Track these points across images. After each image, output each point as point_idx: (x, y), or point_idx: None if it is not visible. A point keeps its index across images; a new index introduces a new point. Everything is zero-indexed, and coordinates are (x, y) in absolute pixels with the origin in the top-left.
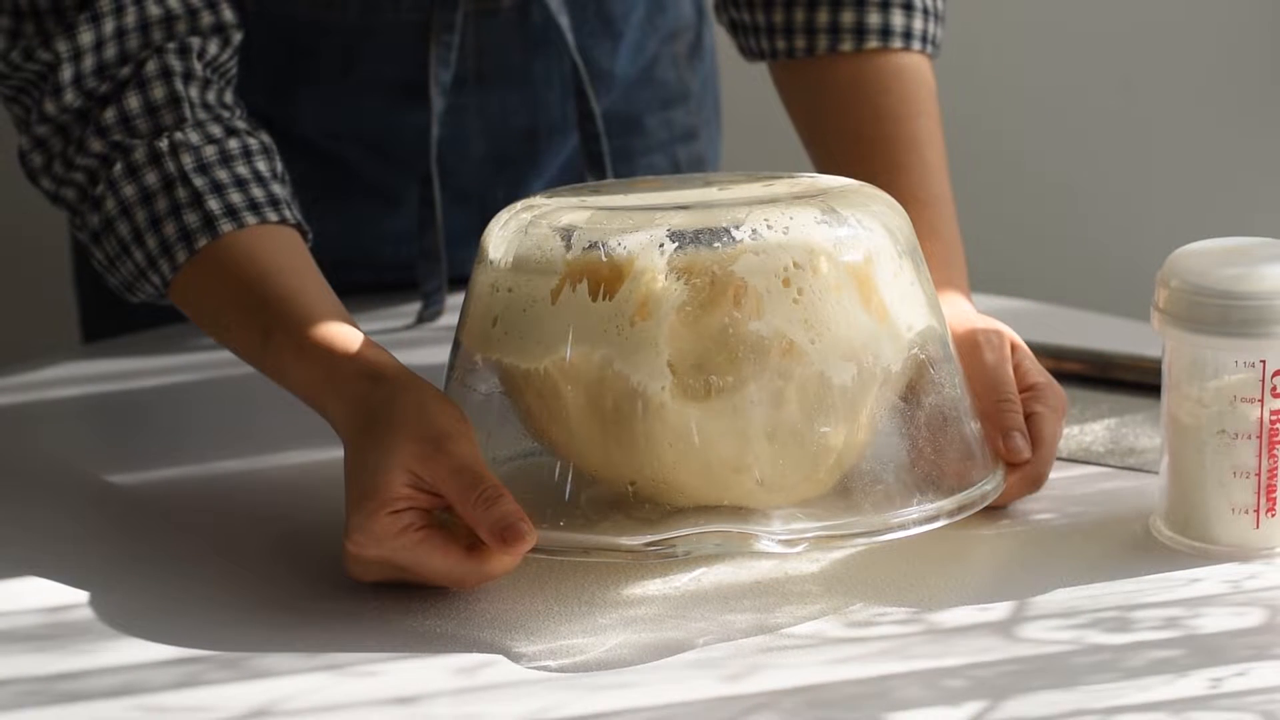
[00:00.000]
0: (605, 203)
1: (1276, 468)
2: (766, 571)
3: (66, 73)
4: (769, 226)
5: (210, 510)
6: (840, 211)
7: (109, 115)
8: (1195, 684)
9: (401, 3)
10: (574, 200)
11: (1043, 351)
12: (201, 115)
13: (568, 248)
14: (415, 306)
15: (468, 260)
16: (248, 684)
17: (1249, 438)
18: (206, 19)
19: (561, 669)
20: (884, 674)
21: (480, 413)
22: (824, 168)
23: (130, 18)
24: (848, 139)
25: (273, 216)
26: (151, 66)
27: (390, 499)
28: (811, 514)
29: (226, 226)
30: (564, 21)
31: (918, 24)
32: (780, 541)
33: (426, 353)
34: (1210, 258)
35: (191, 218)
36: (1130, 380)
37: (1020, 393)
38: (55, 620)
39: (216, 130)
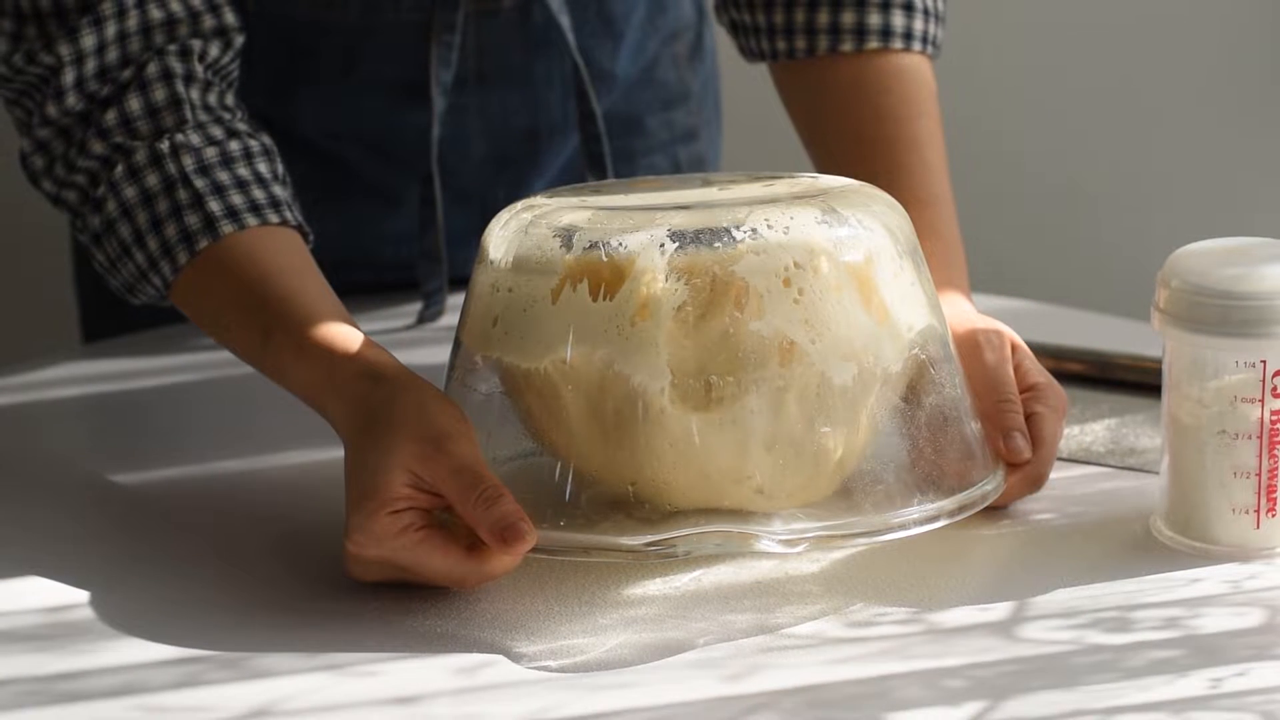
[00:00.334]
0: (606, 203)
1: (1277, 468)
2: (766, 571)
3: (68, 76)
4: (769, 226)
5: (210, 510)
6: (841, 211)
7: (110, 117)
8: (1195, 684)
9: (402, 3)
10: (574, 200)
11: (1043, 351)
12: (202, 117)
13: (568, 248)
14: (416, 307)
15: (468, 260)
16: (248, 684)
17: (1249, 438)
18: (208, 22)
19: (561, 669)
20: (884, 674)
21: (480, 413)
22: (824, 168)
23: (132, 21)
24: (848, 139)
25: (274, 218)
26: (153, 69)
27: (390, 499)
28: (812, 514)
29: (227, 228)
30: (565, 22)
31: (918, 25)
32: (781, 541)
33: (426, 353)
34: (1210, 258)
35: (192, 219)
36: (1131, 380)
37: (1021, 393)
38: (55, 620)
39: (218, 132)
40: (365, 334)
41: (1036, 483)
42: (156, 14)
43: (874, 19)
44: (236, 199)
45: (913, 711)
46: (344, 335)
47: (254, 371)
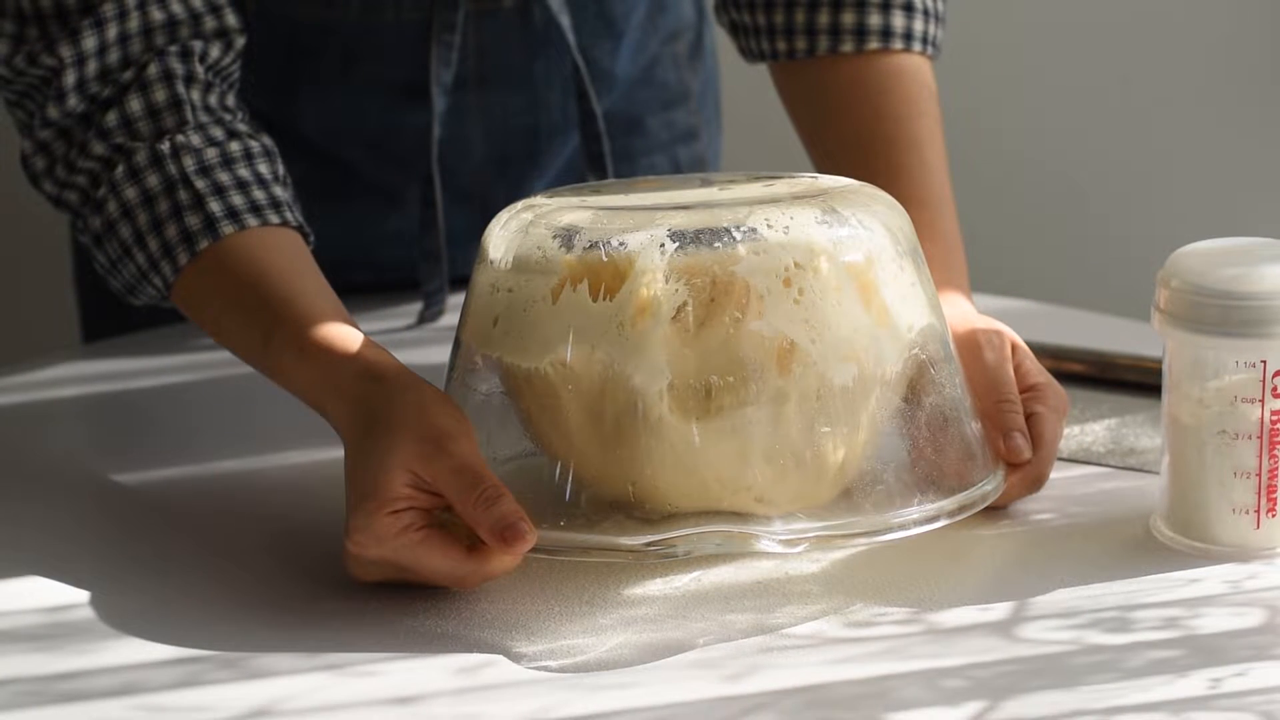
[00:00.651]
0: (606, 203)
1: (1277, 468)
2: (766, 571)
3: (70, 78)
4: (769, 226)
5: (210, 510)
6: (841, 211)
7: (111, 118)
8: (1195, 684)
9: (402, 3)
10: (574, 200)
11: (1043, 351)
12: (203, 118)
13: (568, 248)
14: (416, 307)
15: (469, 260)
16: (248, 684)
17: (1249, 438)
18: (209, 23)
19: (561, 669)
20: (884, 674)
21: (480, 413)
22: (824, 169)
23: (133, 22)
24: (848, 140)
25: (274, 218)
26: (153, 69)
27: (391, 499)
28: (812, 514)
29: (228, 228)
30: (565, 21)
31: (918, 25)
32: (781, 541)
33: (427, 353)
34: (1210, 258)
35: (193, 220)
36: (1131, 380)
37: (1021, 393)
38: (55, 620)
39: (218, 133)
40: (365, 334)
41: (1036, 483)
42: (158, 15)
43: (874, 19)
44: (237, 199)
45: (913, 711)
46: (344, 335)
47: (254, 371)
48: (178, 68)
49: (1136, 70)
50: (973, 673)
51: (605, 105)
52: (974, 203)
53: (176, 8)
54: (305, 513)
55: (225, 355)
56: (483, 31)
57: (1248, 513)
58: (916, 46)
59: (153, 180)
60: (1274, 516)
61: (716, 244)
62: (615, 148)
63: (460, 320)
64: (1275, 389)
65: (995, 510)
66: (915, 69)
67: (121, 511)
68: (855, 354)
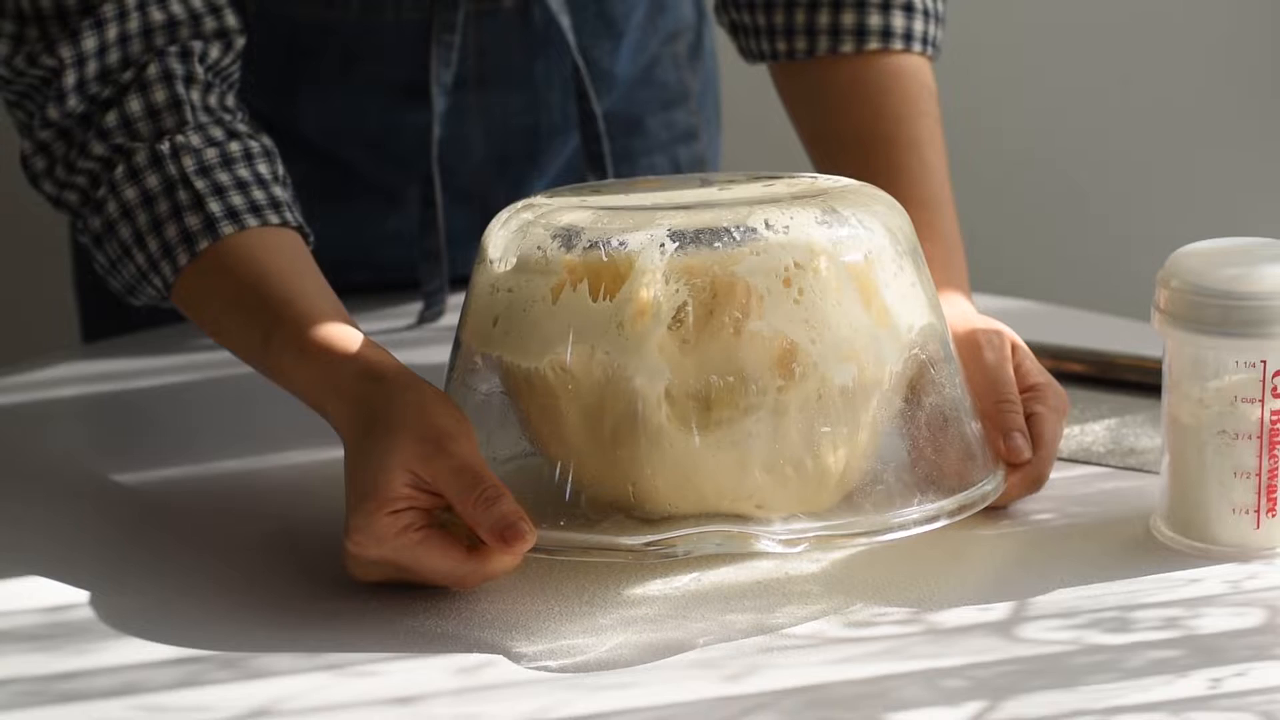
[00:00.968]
0: (606, 202)
1: (1277, 468)
2: (766, 571)
3: (70, 78)
4: (769, 226)
5: (210, 510)
6: (841, 211)
7: (110, 119)
8: (1195, 684)
9: (402, 3)
10: (574, 200)
11: (1043, 352)
12: (203, 118)
13: (568, 248)
14: (416, 307)
15: (469, 260)
16: (248, 684)
17: (1249, 438)
18: (209, 24)
19: (561, 669)
20: (884, 674)
21: (480, 413)
22: (824, 169)
23: (133, 23)
24: (848, 140)
25: (274, 219)
26: (153, 70)
27: (390, 499)
28: (812, 514)
29: (228, 229)
30: (565, 22)
31: (918, 26)
32: (781, 541)
33: (427, 353)
34: (1210, 258)
35: (193, 220)
36: (1131, 380)
37: (1021, 393)
38: (55, 620)
39: (218, 133)
40: (365, 334)
41: (1036, 483)
42: (158, 16)
43: (874, 20)
44: (237, 200)
45: (912, 711)
46: (344, 336)
47: (254, 371)
48: (177, 68)
49: (1137, 70)
50: (973, 673)
51: (605, 105)
52: (974, 203)
53: (176, 8)
54: (305, 513)
55: (225, 355)
56: (483, 31)
57: (1248, 513)
58: (916, 47)
59: (152, 180)
60: (1274, 516)
61: (716, 244)
62: (615, 148)
63: (460, 320)
64: (1275, 389)
65: (995, 510)
66: (915, 69)
67: (121, 511)
68: (855, 354)
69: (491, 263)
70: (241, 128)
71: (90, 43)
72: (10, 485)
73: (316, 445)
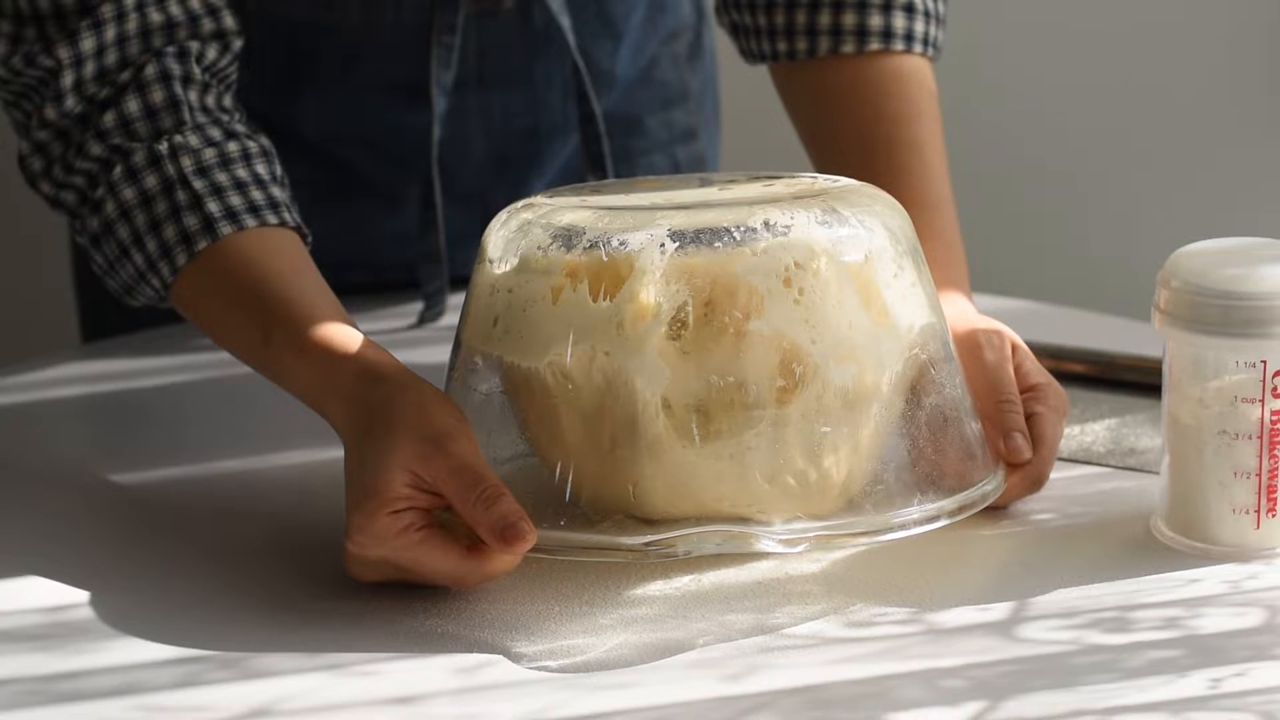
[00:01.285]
0: (606, 202)
1: (1277, 468)
2: (766, 571)
3: (68, 79)
4: (769, 226)
5: (210, 510)
6: (841, 211)
7: (108, 119)
8: (1195, 684)
9: (402, 4)
10: (574, 200)
11: (1043, 351)
12: (201, 119)
13: (568, 248)
14: (416, 307)
15: (469, 261)
16: (248, 684)
17: (1250, 438)
18: (207, 25)
19: (561, 669)
20: (884, 674)
21: (480, 413)
22: (824, 169)
23: (131, 24)
24: (848, 141)
25: (272, 219)
26: (150, 70)
27: (390, 499)
28: (813, 515)
29: (226, 229)
30: (565, 22)
31: (919, 27)
32: (781, 541)
33: (427, 353)
34: (1211, 258)
35: (191, 220)
36: (1131, 381)
37: (1021, 393)
38: (55, 620)
39: (216, 133)
40: (365, 334)
41: (1037, 483)
42: (156, 17)
43: (875, 21)
44: (235, 200)
45: (912, 711)
46: (344, 336)
47: (254, 371)
48: (175, 68)
49: (1137, 70)
50: (973, 673)
51: (605, 105)
52: (974, 203)
53: (175, 10)
54: (305, 513)
55: (225, 355)
56: (483, 32)
57: (1248, 513)
58: (917, 48)
59: (151, 181)
60: (1274, 516)
61: (717, 244)
62: (615, 148)
63: (460, 320)
64: (1275, 389)
65: (995, 510)
66: (916, 70)
67: (121, 511)
68: (855, 354)
69: (491, 263)
70: (239, 128)
71: (88, 44)
72: (10, 485)
73: (316, 445)
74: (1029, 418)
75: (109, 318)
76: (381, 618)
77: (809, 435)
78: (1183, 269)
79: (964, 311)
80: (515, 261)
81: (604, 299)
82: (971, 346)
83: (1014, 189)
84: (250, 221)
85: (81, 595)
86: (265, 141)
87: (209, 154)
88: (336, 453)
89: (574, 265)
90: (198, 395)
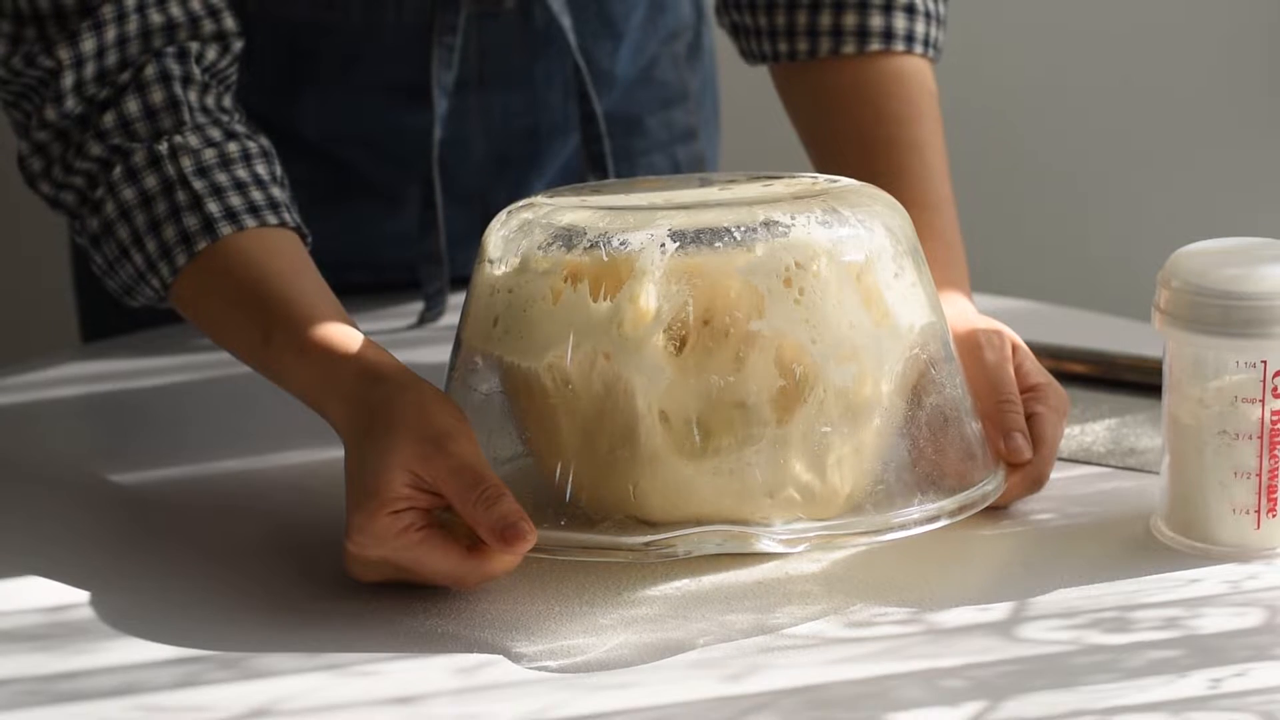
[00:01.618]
0: (606, 202)
1: (1277, 468)
2: (767, 571)
3: (68, 79)
4: (769, 226)
5: (210, 510)
6: (841, 212)
7: (108, 119)
8: (1195, 684)
9: (403, 5)
10: (575, 200)
11: (1043, 351)
12: (200, 119)
13: (569, 248)
14: (416, 307)
15: (469, 261)
16: (248, 684)
17: (1250, 438)
18: (208, 26)
19: (561, 669)
20: (884, 674)
21: (480, 413)
22: (824, 170)
23: (132, 25)
24: (849, 142)
25: (272, 219)
26: (150, 71)
27: (391, 499)
28: (813, 515)
29: (226, 229)
30: (566, 23)
31: (919, 27)
32: (781, 541)
33: (427, 353)
34: (1211, 258)
35: (191, 221)
36: (1131, 381)
37: (1021, 393)
38: (55, 620)
39: (216, 134)
40: (365, 334)
41: (1037, 483)
42: (156, 18)
43: (876, 21)
44: (235, 200)
45: (912, 711)
46: (344, 336)
47: (254, 371)
48: (175, 69)
49: (1137, 71)
50: (972, 673)
51: (605, 105)
52: (974, 203)
53: (175, 11)
54: (305, 513)
55: (225, 355)
56: (483, 33)
57: (1248, 513)
58: (918, 49)
59: (150, 181)
60: (1274, 516)
61: (717, 244)
62: (615, 148)
63: (460, 320)
64: (1275, 389)
65: (995, 510)
66: (916, 71)
67: (121, 511)
68: (856, 354)
69: (492, 263)
70: (239, 128)
71: (89, 45)
72: (10, 485)
73: (316, 445)
74: (1029, 418)
75: (109, 318)
76: (381, 618)
77: (811, 444)
78: (1183, 269)
79: (964, 311)
80: (515, 261)
81: (604, 299)
82: (972, 346)
83: (1014, 189)
84: (250, 222)
85: (81, 595)
86: (265, 142)
87: (209, 154)
88: (336, 453)
89: (574, 265)
90: (198, 395)
